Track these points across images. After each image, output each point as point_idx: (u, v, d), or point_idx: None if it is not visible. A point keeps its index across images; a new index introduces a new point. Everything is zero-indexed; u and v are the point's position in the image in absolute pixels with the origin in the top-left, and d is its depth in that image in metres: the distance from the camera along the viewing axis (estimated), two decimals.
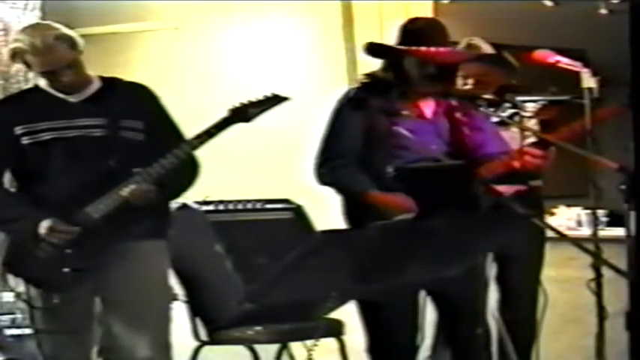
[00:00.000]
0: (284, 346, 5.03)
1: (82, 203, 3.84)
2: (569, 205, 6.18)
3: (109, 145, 3.92)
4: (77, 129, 3.93)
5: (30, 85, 4.74)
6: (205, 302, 4.76)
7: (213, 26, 6.71)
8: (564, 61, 4.34)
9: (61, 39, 3.90)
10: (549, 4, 6.47)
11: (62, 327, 3.91)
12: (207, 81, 6.65)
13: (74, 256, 3.83)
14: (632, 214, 3.75)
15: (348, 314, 4.37)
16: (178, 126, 4.07)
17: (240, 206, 5.00)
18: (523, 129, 4.49)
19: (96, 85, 4.02)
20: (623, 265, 3.52)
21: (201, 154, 3.98)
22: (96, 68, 4.05)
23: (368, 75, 4.23)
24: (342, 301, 3.90)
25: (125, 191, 3.82)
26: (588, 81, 4.24)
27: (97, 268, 3.87)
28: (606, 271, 3.86)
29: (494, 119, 4.52)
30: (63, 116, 3.94)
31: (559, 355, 5.32)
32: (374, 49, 4.11)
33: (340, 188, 4.16)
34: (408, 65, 4.10)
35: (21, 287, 3.94)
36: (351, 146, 4.12)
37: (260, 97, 3.99)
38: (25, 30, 4.03)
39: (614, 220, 5.36)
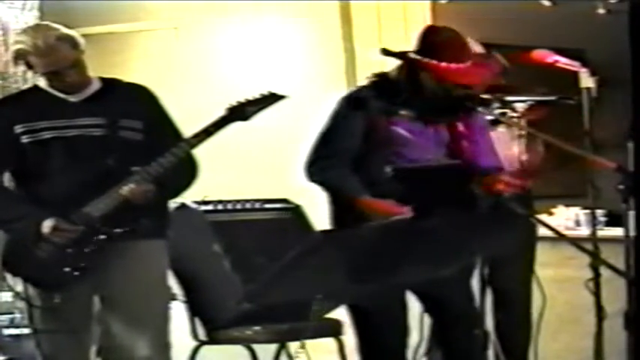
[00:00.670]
0: (282, 346, 5.03)
1: (81, 202, 3.84)
2: (567, 205, 6.17)
3: (109, 145, 3.92)
4: (77, 128, 3.94)
5: (29, 85, 4.74)
6: (204, 302, 4.76)
7: (211, 26, 6.71)
8: (562, 61, 4.34)
9: (63, 39, 3.90)
10: (547, 4, 6.46)
11: (61, 327, 3.91)
12: (206, 81, 6.64)
13: (73, 256, 3.84)
14: (631, 214, 3.76)
15: (348, 314, 4.37)
16: (177, 126, 4.07)
17: (238, 206, 5.00)
18: (520, 128, 4.50)
19: (96, 85, 4.03)
20: (621, 264, 3.53)
21: (199, 153, 3.98)
22: (94, 68, 4.05)
23: (378, 74, 4.20)
24: (340, 302, 3.91)
25: (124, 190, 3.82)
26: (586, 81, 4.25)
27: (96, 268, 3.87)
28: (605, 271, 3.87)
29: (489, 117, 4.51)
30: (63, 115, 3.94)
31: (557, 354, 5.32)
32: (388, 53, 4.07)
33: (328, 188, 4.15)
34: (424, 79, 4.07)
35: (19, 287, 3.94)
36: (346, 147, 4.11)
37: (257, 95, 3.99)
38: (26, 31, 4.03)
39: (613, 220, 5.36)
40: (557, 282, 4.98)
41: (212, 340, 4.75)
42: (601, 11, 6.39)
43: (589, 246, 3.96)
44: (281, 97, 4.01)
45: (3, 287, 4.09)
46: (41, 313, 3.92)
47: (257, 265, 4.52)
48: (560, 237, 3.49)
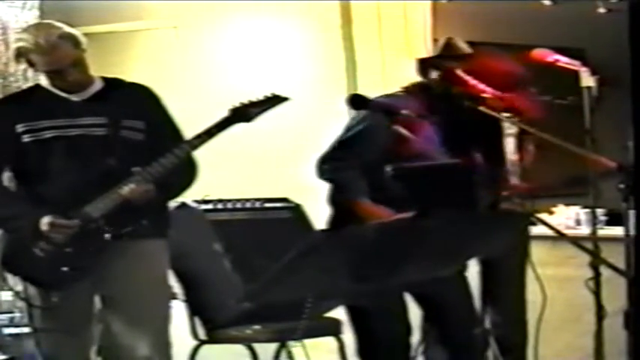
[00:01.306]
0: (283, 345, 5.03)
1: (82, 202, 3.84)
2: (568, 204, 6.18)
3: (111, 145, 3.92)
4: (79, 128, 3.93)
5: (29, 83, 4.74)
6: (204, 301, 4.76)
7: (211, 25, 6.70)
8: (563, 60, 4.34)
9: (65, 38, 3.90)
10: (548, 3, 6.47)
11: (61, 326, 3.91)
12: (206, 80, 6.64)
13: (73, 255, 3.84)
14: (631, 213, 3.76)
15: (346, 315, 4.37)
16: (178, 127, 4.07)
17: (239, 205, 5.00)
18: (521, 128, 4.50)
19: (98, 84, 4.03)
20: (621, 264, 3.53)
21: (199, 153, 3.98)
22: (94, 67, 4.04)
23: (416, 84, 4.21)
24: (340, 301, 3.91)
25: (125, 190, 3.82)
26: (587, 80, 4.24)
27: (95, 268, 3.86)
28: (605, 270, 3.87)
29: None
30: (65, 115, 3.94)
31: (557, 354, 5.32)
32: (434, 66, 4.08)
33: (336, 187, 4.15)
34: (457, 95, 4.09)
35: (19, 286, 3.94)
36: (366, 156, 4.11)
37: (261, 97, 3.99)
38: (28, 29, 4.03)
39: (613, 219, 5.36)
40: (558, 281, 4.97)
41: (212, 339, 4.75)
42: (601, 10, 6.40)
43: (589, 245, 3.95)
44: (284, 99, 4.02)
45: (3, 286, 4.07)
46: (41, 312, 3.92)
47: (257, 264, 4.51)
48: (560, 236, 3.49)
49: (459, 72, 4.08)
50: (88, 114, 3.94)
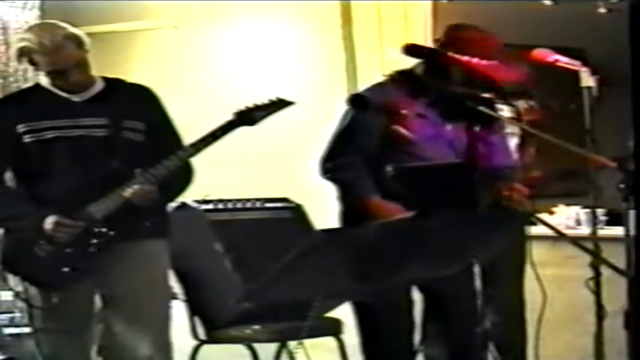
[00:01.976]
0: (283, 345, 5.03)
1: (84, 202, 3.84)
2: (568, 204, 6.17)
3: (112, 146, 3.92)
4: (80, 128, 3.94)
5: (29, 83, 4.73)
6: (204, 301, 4.76)
7: (211, 25, 6.71)
8: (563, 60, 4.34)
9: (70, 38, 3.90)
10: (548, 3, 6.47)
11: (61, 326, 3.91)
12: (206, 80, 6.64)
13: (74, 256, 3.84)
14: (631, 213, 3.76)
15: (347, 313, 4.37)
16: (177, 130, 4.08)
17: (239, 205, 5.00)
18: (523, 128, 4.50)
19: (99, 85, 4.03)
20: (621, 264, 3.53)
21: (200, 153, 3.98)
22: (95, 67, 4.05)
23: (401, 72, 4.16)
24: (340, 301, 3.91)
25: (128, 192, 3.82)
26: (587, 80, 4.24)
27: (97, 268, 3.87)
28: (605, 270, 3.87)
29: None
30: (66, 115, 3.94)
31: (557, 354, 5.32)
32: (412, 50, 4.00)
33: (341, 186, 4.14)
34: (455, 75, 4.00)
35: (20, 286, 3.94)
36: (364, 146, 4.08)
37: (265, 100, 4.00)
38: (32, 29, 4.02)
39: (613, 219, 5.36)
40: (558, 281, 4.97)
41: (212, 339, 4.75)
42: (602, 10, 6.40)
43: (589, 245, 3.95)
44: (289, 103, 4.03)
45: (3, 287, 4.08)
46: (42, 312, 3.93)
47: (257, 264, 4.51)
48: (560, 236, 3.49)
49: (449, 53, 4.01)
50: (89, 114, 3.95)
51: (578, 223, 6.07)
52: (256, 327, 4.66)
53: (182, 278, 4.74)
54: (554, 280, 4.65)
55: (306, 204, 5.06)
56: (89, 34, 4.03)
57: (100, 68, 4.12)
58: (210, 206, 4.89)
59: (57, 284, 3.86)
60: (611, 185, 3.82)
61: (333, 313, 4.55)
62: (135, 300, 3.94)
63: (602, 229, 5.20)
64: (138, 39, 6.90)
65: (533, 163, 4.47)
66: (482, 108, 4.24)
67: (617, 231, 4.25)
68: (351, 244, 3.09)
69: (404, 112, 4.05)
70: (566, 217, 6.12)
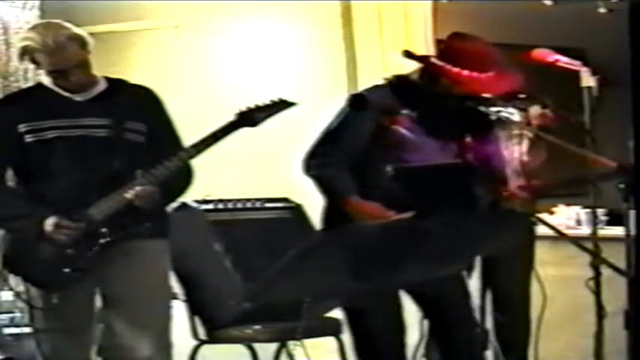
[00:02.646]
0: (283, 345, 5.03)
1: (84, 203, 3.83)
2: (568, 204, 6.18)
3: (113, 146, 3.91)
4: (82, 128, 3.93)
5: (30, 83, 4.73)
6: (204, 301, 4.76)
7: (211, 25, 6.71)
8: (563, 60, 4.34)
9: (73, 39, 3.89)
10: (549, 3, 6.48)
11: (62, 326, 3.91)
12: (206, 80, 6.64)
13: (74, 256, 3.83)
14: (632, 213, 3.76)
15: (343, 315, 4.37)
16: (178, 132, 4.07)
17: (239, 205, 5.00)
18: (528, 130, 4.50)
19: (102, 85, 4.02)
20: (622, 263, 3.53)
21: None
22: (95, 67, 4.04)
23: (397, 76, 4.15)
24: (340, 301, 3.90)
25: (130, 193, 3.82)
26: (587, 80, 4.24)
27: (98, 268, 3.86)
28: (605, 270, 3.87)
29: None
30: (68, 115, 3.93)
31: (558, 353, 5.32)
32: (410, 56, 3.99)
33: (321, 185, 4.12)
34: (444, 86, 3.98)
35: (20, 286, 3.94)
36: (349, 146, 4.08)
37: (267, 101, 3.99)
38: (35, 28, 4.01)
39: (614, 219, 5.36)
40: (558, 281, 4.97)
41: (212, 339, 4.75)
42: (602, 10, 6.40)
43: (590, 245, 3.96)
44: (291, 104, 4.02)
45: (4, 287, 4.07)
46: (42, 312, 3.92)
47: (257, 264, 4.52)
48: (560, 236, 3.49)
49: (436, 61, 3.99)
50: (91, 114, 3.94)
51: (579, 223, 6.08)
52: (256, 327, 4.67)
53: (182, 278, 4.74)
54: (555, 280, 4.66)
55: (306, 204, 5.06)
56: (89, 34, 4.03)
57: (100, 68, 4.11)
58: (210, 206, 4.89)
59: (58, 285, 3.86)
60: (611, 185, 3.82)
61: (333, 314, 4.55)
62: (135, 300, 3.94)
63: (602, 229, 5.20)
64: (138, 39, 6.90)
65: (543, 165, 4.47)
66: (481, 108, 4.26)
67: (618, 231, 4.26)
68: (351, 244, 3.09)
69: (404, 112, 4.05)
70: (567, 217, 6.12)
